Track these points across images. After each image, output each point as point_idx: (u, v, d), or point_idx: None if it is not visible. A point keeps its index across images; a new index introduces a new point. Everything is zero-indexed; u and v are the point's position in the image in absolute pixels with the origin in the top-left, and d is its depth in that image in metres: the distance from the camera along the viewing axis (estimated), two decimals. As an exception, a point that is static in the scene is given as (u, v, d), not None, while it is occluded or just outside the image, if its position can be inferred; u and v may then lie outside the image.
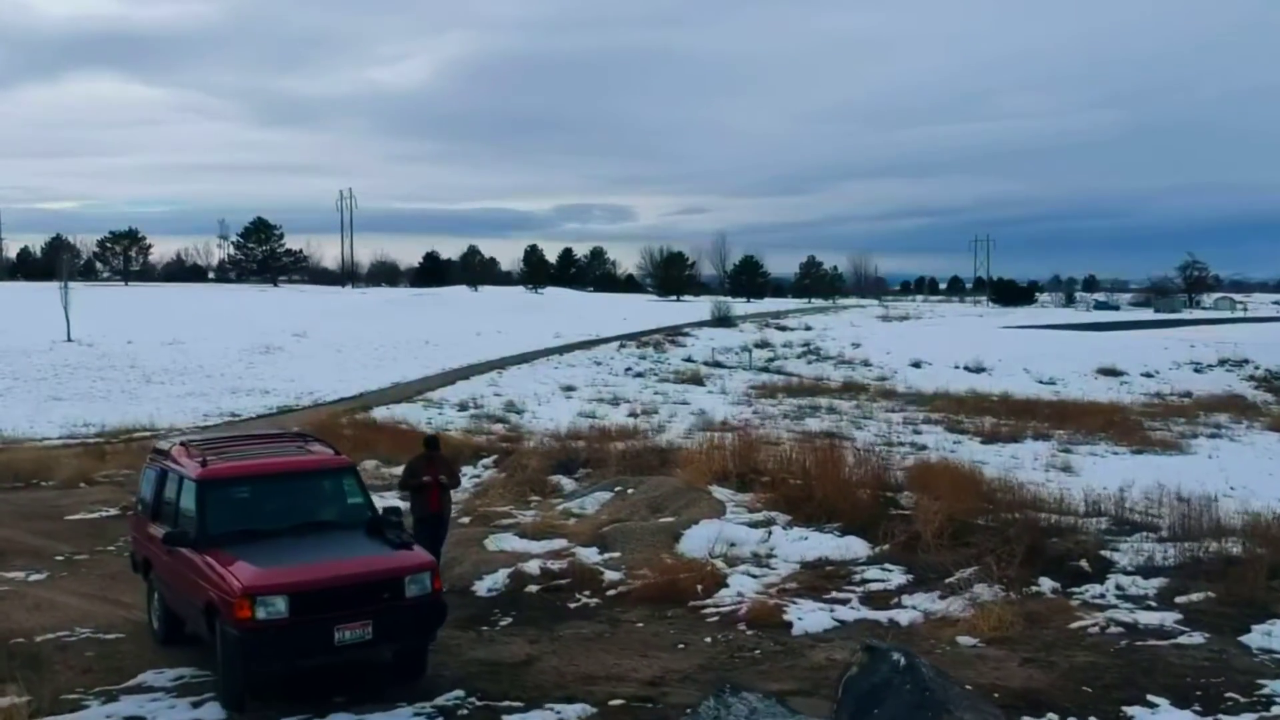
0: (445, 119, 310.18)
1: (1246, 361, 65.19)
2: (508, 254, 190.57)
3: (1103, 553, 11.54)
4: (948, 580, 11.16)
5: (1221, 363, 65.62)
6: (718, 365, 64.00)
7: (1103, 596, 10.53)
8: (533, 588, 11.92)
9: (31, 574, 13.33)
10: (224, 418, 39.43)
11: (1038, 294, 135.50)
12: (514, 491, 16.85)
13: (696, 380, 57.32)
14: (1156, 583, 10.67)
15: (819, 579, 11.65)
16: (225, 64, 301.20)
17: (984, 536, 11.91)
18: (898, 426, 42.24)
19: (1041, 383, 59.67)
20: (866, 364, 66.01)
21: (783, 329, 76.09)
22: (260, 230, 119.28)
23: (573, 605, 11.37)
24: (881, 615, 10.43)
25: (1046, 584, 10.81)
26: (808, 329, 76.38)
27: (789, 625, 10.15)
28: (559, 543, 13.57)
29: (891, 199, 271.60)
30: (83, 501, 18.64)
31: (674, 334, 71.73)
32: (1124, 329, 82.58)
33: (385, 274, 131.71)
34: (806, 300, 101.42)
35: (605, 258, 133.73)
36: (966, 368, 63.29)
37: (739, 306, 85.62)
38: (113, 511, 17.53)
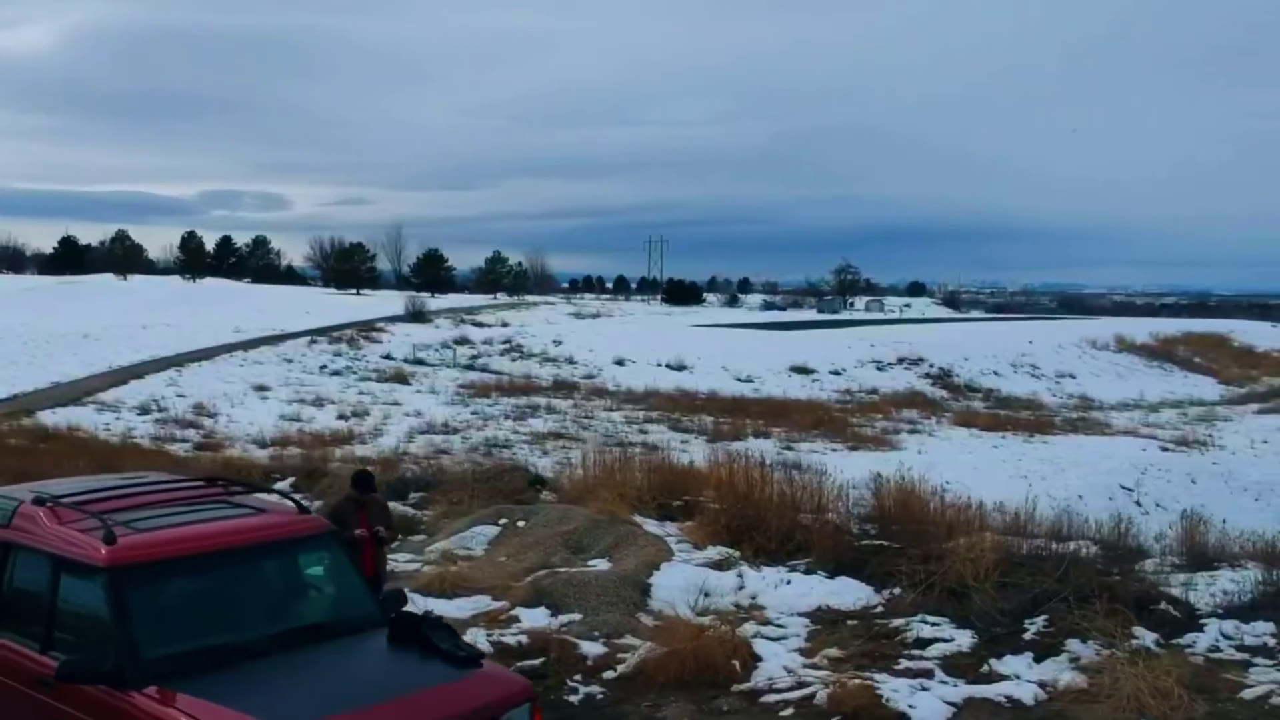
0: (76, 92, 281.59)
1: (922, 360, 69.24)
2: (150, 241, 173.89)
3: (1164, 589, 9.95)
4: (1024, 636, 9.15)
5: (900, 361, 69.28)
6: (420, 363, 60.49)
7: (1218, 649, 8.88)
8: (495, 673, 8.76)
9: None
10: None
11: (705, 295, 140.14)
12: (362, 529, 13.21)
13: (401, 379, 54.02)
14: (1262, 627, 9.15)
15: (864, 641, 9.30)
16: None
17: (1024, 575, 10.02)
18: (622, 426, 41.39)
19: (740, 380, 60.58)
20: (571, 361, 64.73)
21: (480, 325, 73.33)
22: None
23: (572, 698, 8.37)
24: (990, 691, 8.21)
25: (1147, 636, 9.01)
26: (505, 325, 74.06)
27: (903, 716, 7.72)
28: (482, 600, 10.36)
29: (556, 198, 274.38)
30: None
31: (367, 329, 67.39)
32: (803, 328, 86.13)
33: (9, 260, 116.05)
34: (492, 296, 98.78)
35: (269, 247, 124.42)
36: (669, 365, 63.32)
37: (431, 301, 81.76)
38: None
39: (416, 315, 70.98)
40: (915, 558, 10.68)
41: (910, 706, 7.82)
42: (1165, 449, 39.19)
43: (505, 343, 69.11)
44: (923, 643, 9.23)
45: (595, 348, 67.94)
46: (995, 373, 68.21)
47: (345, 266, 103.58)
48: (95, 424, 35.27)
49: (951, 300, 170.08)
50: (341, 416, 41.54)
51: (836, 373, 65.38)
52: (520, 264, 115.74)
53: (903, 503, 12.38)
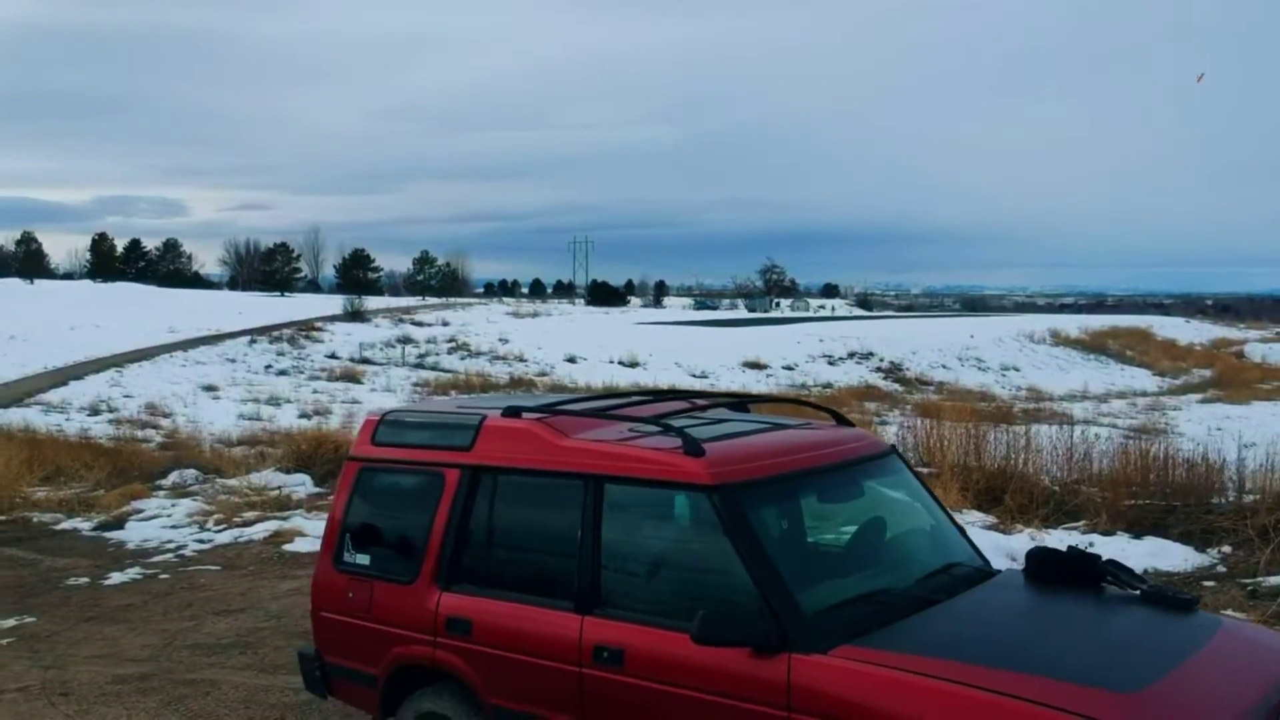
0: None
1: (872, 354, 69.21)
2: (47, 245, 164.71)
3: None
4: None
5: (851, 355, 69.16)
6: (368, 362, 58.46)
7: None
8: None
9: None
10: None
11: (628, 297, 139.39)
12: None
13: (353, 378, 52.07)
14: None
15: (1252, 602, 8.14)
16: None
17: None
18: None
19: (695, 376, 59.61)
20: (521, 359, 63.31)
21: (420, 324, 71.37)
22: None
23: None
24: None
25: None
26: (446, 324, 72.24)
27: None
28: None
29: (464, 202, 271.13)
30: None
31: (306, 329, 64.97)
32: (742, 325, 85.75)
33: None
34: (420, 299, 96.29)
35: (180, 251, 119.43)
36: (621, 362, 62.31)
37: (366, 301, 79.34)
38: None
39: (355, 314, 68.78)
40: (1230, 514, 9.65)
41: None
42: (1129, 437, 39.41)
43: (450, 341, 67.39)
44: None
45: (543, 345, 66.63)
46: (944, 366, 68.30)
47: (269, 269, 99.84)
48: (45, 426, 32.67)
49: (864, 302, 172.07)
50: (303, 415, 39.74)
51: (789, 367, 64.87)
52: (449, 264, 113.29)
53: (1146, 463, 11.29)
